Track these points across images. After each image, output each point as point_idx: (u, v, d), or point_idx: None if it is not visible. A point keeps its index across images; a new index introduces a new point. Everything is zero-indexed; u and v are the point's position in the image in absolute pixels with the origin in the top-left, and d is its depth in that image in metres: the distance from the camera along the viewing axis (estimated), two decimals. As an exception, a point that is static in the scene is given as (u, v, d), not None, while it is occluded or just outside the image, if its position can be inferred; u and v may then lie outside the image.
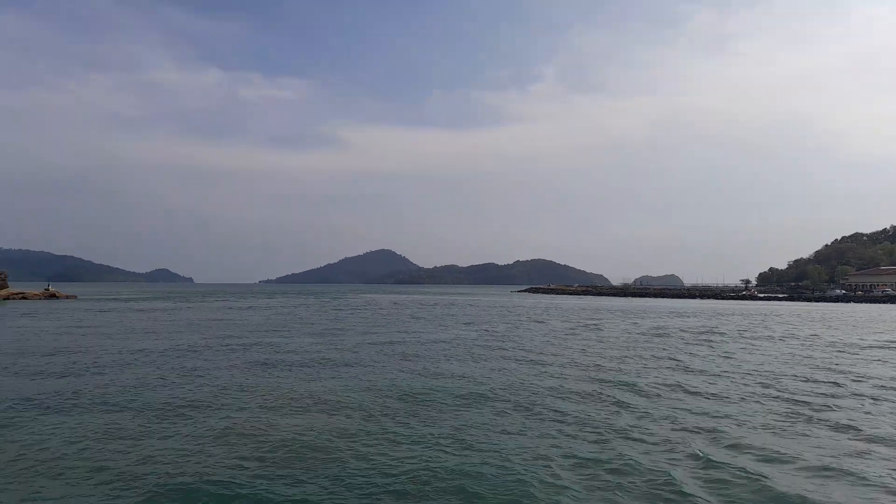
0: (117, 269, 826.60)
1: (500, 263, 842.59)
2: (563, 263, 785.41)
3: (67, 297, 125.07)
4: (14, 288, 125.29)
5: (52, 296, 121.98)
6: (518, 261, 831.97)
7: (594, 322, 65.33)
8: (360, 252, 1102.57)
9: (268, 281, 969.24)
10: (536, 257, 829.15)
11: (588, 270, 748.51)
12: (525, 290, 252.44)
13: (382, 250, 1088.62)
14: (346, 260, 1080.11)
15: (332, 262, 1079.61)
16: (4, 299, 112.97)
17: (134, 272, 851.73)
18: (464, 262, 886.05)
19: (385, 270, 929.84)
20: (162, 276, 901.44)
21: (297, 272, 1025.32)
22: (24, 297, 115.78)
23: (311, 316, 73.11)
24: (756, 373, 28.61)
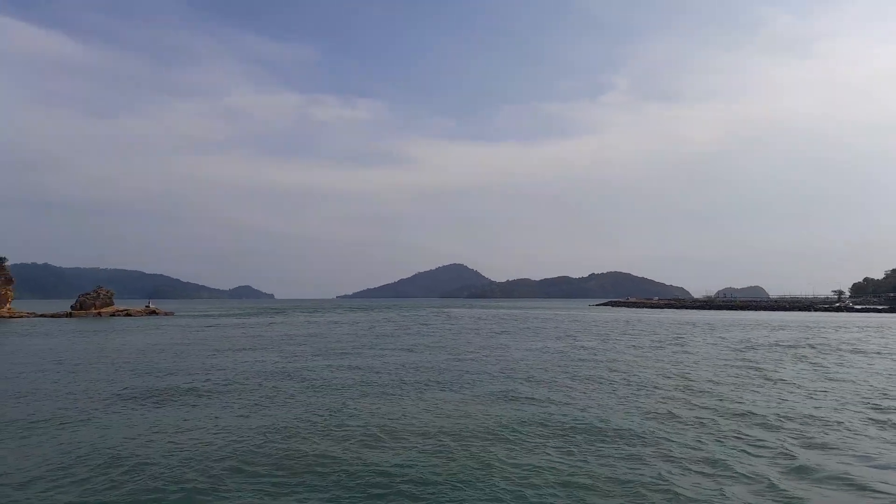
0: (203, 286, 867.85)
1: (574, 277, 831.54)
2: (640, 276, 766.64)
3: (166, 314, 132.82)
4: (118, 305, 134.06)
5: (153, 312, 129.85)
6: (593, 274, 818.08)
7: (681, 336, 64.24)
8: (433, 267, 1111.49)
9: (345, 296, 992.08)
10: (612, 270, 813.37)
11: (668, 283, 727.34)
12: (604, 304, 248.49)
13: (454, 265, 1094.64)
14: (419, 275, 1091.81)
15: (405, 276, 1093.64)
16: (111, 315, 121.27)
17: (218, 289, 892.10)
18: (537, 276, 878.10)
19: (457, 285, 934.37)
20: (245, 292, 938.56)
21: (372, 287, 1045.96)
22: (129, 314, 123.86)
23: (397, 330, 75.14)
24: (861, 391, 27.81)
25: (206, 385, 29.25)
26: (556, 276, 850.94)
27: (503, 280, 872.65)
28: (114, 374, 33.82)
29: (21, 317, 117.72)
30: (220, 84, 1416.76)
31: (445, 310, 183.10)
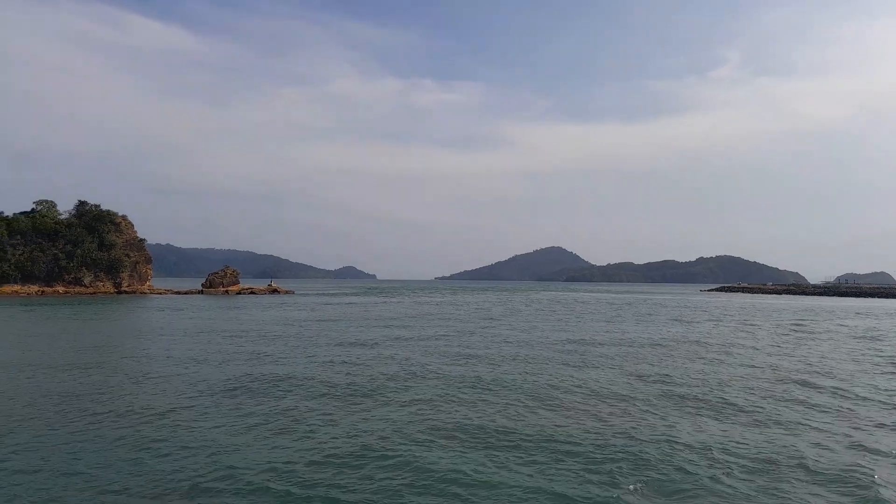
0: (310, 266, 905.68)
1: (679, 260, 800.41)
2: (752, 260, 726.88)
3: (286, 292, 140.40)
4: (242, 284, 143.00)
5: (275, 291, 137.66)
6: (700, 257, 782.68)
7: (808, 323, 61.12)
8: (530, 249, 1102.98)
9: (442, 278, 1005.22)
10: (721, 253, 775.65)
11: (781, 268, 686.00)
12: (714, 290, 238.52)
13: (553, 248, 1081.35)
14: (516, 257, 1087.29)
15: (502, 259, 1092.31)
16: (238, 293, 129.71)
17: (324, 269, 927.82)
18: (639, 260, 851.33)
19: (555, 268, 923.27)
20: (349, 272, 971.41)
21: (469, 269, 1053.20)
22: (253, 292, 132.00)
23: (509, 312, 75.97)
24: None
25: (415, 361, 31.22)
26: (659, 259, 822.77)
27: (603, 263, 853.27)
28: (315, 343, 36.64)
29: (159, 293, 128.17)
30: (325, 71, 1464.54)
31: (547, 293, 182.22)
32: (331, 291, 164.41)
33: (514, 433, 16.83)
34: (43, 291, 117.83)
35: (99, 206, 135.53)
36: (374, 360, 30.87)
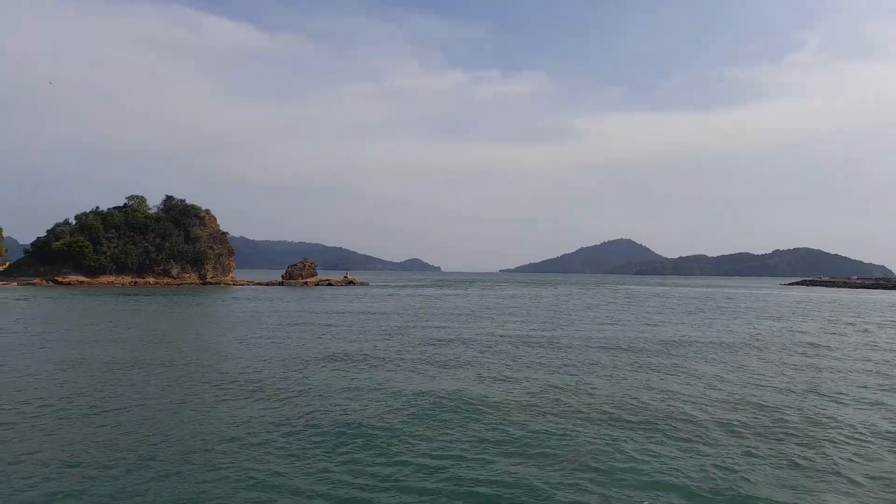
0: (377, 258, 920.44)
1: (755, 253, 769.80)
2: (833, 253, 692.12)
3: (361, 284, 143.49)
4: (319, 276, 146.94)
5: (350, 282, 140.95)
6: (777, 250, 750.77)
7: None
8: (598, 242, 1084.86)
9: (507, 270, 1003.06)
10: (800, 246, 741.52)
11: (865, 261, 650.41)
12: (795, 283, 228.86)
13: (621, 240, 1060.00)
14: (583, 250, 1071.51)
15: (568, 252, 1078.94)
16: (315, 284, 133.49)
17: (391, 262, 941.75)
18: (713, 252, 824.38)
19: (624, 260, 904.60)
20: (414, 265, 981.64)
21: (535, 262, 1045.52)
22: (330, 283, 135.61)
23: (583, 306, 75.37)
24: None
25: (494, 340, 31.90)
26: (734, 252, 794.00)
27: (675, 256, 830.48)
28: (420, 330, 37.85)
29: (241, 284, 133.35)
30: (390, 66, 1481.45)
31: (622, 286, 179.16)
32: (403, 283, 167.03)
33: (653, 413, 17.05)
34: (135, 282, 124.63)
35: (184, 200, 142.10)
36: (489, 352, 31.50)
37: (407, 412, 18.48)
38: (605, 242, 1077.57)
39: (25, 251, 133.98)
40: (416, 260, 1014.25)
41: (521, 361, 28.67)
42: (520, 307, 70.37)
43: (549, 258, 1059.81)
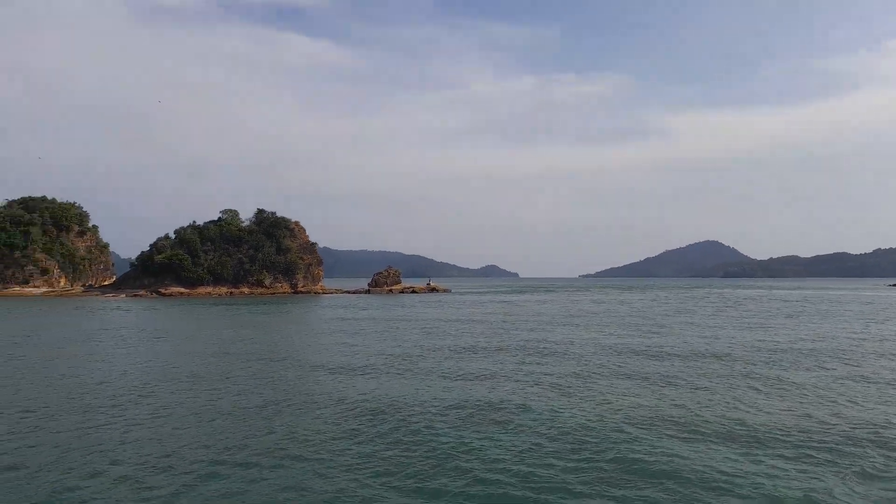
0: (454, 265, 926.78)
1: (853, 253, 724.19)
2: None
3: (444, 290, 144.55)
4: (403, 283, 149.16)
5: (434, 289, 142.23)
6: (878, 249, 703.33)
7: None
8: (682, 244, 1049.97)
9: (588, 275, 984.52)
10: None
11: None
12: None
13: (707, 241, 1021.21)
14: (666, 253, 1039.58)
15: (651, 255, 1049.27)
16: (400, 292, 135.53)
17: (468, 268, 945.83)
18: (805, 253, 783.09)
19: (711, 263, 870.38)
20: (491, 271, 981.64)
21: (616, 266, 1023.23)
22: (414, 291, 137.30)
23: (666, 312, 72.83)
24: None
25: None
26: (829, 252, 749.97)
27: (765, 258, 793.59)
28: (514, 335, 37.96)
29: (330, 293, 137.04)
30: (463, 74, 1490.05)
31: (713, 290, 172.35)
32: (484, 290, 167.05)
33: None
34: (231, 293, 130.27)
35: (275, 213, 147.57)
36: (586, 356, 31.00)
37: (517, 426, 18.31)
38: (689, 245, 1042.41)
39: (131, 264, 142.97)
40: (493, 266, 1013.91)
41: (626, 371, 27.80)
42: (608, 313, 68.83)
43: (632, 262, 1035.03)
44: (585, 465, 13.95)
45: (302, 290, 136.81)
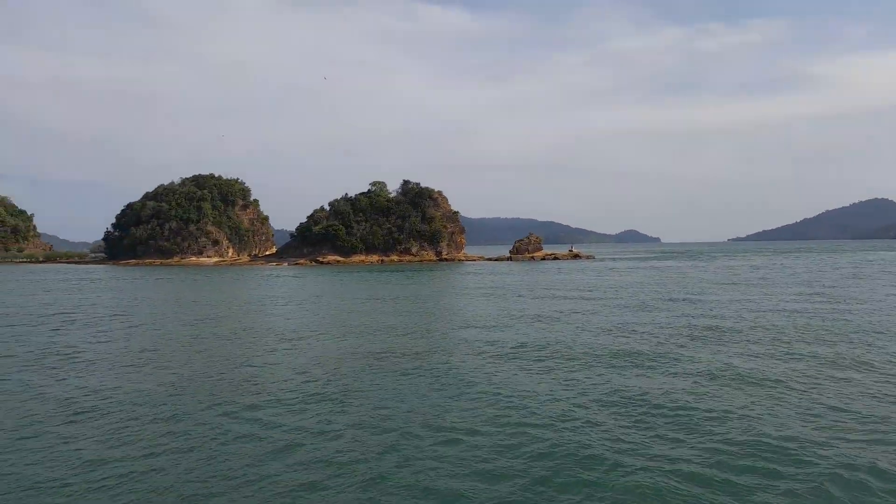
0: (591, 231, 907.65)
1: None
2: None
3: (588, 257, 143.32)
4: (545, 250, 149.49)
5: (577, 256, 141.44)
6: None
7: None
8: (845, 203, 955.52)
9: (737, 239, 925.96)
10: None
11: None
12: None
13: (874, 200, 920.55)
14: (826, 213, 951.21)
15: (808, 216, 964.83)
16: (542, 259, 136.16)
17: (605, 234, 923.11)
18: None
19: (879, 223, 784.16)
20: (630, 237, 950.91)
21: (767, 229, 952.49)
22: (556, 258, 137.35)
23: (838, 279, 67.64)
24: None
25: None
26: None
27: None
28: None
29: (473, 260, 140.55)
30: (601, 31, 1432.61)
31: (888, 253, 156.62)
32: (629, 256, 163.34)
33: None
34: (381, 260, 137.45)
35: (419, 183, 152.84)
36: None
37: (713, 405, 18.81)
38: (854, 204, 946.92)
39: (291, 235, 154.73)
40: (632, 231, 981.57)
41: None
42: (773, 281, 64.97)
43: (787, 224, 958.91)
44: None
45: (446, 257, 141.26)
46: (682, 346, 24.16)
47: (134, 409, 16.25)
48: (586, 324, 31.35)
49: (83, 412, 15.96)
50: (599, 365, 20.90)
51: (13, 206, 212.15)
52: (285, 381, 19.29)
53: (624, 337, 26.80)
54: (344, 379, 19.48)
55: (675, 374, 19.39)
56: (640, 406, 15.62)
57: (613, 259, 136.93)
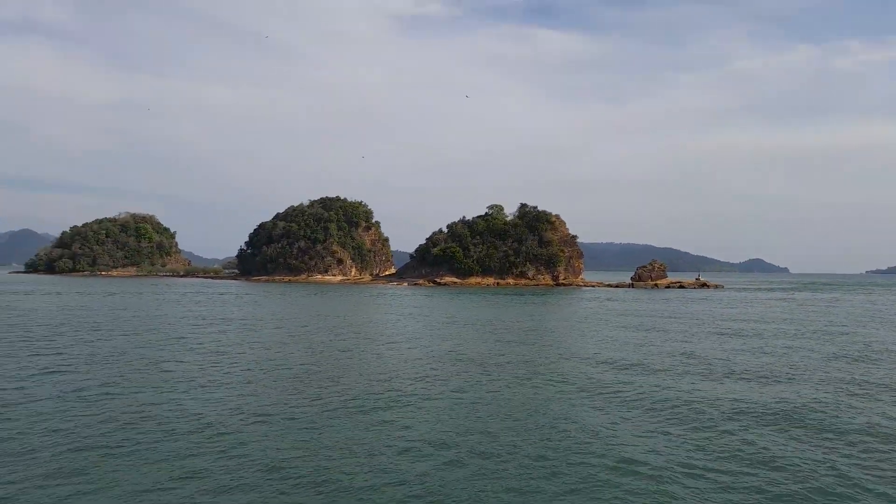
0: (713, 259, 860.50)
1: None
2: None
3: (715, 286, 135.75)
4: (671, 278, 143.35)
5: (703, 285, 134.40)
6: None
7: None
8: None
9: (877, 271, 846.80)
10: None
11: None
12: None
13: None
14: None
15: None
16: (666, 287, 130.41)
17: (728, 262, 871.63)
18: None
19: None
20: (756, 266, 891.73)
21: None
22: (682, 286, 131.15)
23: None
24: None
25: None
26: None
27: None
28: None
29: (591, 286, 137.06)
30: (723, 50, 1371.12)
31: None
32: (760, 286, 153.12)
33: None
34: (497, 283, 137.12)
35: (536, 207, 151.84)
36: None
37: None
38: None
39: (410, 256, 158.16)
40: (758, 260, 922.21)
41: None
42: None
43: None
44: None
45: (563, 282, 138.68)
46: None
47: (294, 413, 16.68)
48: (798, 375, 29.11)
49: (255, 415, 16.61)
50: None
51: (159, 223, 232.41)
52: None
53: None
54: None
55: None
56: None
57: (744, 290, 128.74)
